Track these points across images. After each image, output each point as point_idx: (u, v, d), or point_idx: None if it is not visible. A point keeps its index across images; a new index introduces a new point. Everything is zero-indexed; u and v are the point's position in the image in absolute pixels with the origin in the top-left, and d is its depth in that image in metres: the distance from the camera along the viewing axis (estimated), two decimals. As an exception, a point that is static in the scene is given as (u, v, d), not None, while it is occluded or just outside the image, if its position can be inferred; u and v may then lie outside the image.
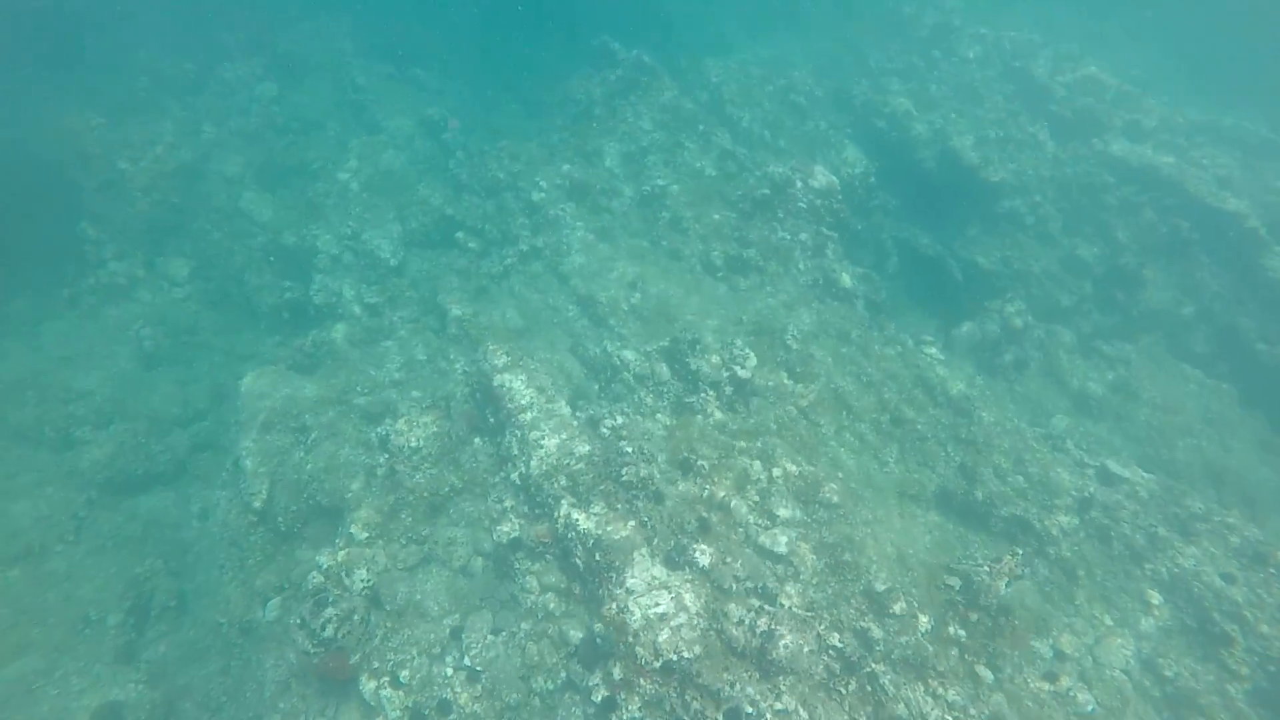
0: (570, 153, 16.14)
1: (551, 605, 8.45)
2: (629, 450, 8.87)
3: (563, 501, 8.53)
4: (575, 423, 9.39)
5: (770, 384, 11.02)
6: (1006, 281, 16.32)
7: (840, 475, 9.88)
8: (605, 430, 9.26)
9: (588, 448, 8.87)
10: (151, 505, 12.30)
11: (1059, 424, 12.80)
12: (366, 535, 9.15)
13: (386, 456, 10.02)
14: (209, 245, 15.83)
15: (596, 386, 11.59)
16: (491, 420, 10.09)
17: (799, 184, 13.91)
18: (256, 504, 10.23)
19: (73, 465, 12.39)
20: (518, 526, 9.01)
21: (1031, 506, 10.44)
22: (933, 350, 12.53)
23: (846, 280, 13.42)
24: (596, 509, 8.29)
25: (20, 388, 13.24)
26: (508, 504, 9.25)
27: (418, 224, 15.19)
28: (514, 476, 9.21)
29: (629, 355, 10.95)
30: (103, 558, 11.56)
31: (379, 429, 10.53)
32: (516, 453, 9.36)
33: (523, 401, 9.61)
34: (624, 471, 8.42)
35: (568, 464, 8.77)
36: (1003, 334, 14.09)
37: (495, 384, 9.83)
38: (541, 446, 9.06)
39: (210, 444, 12.83)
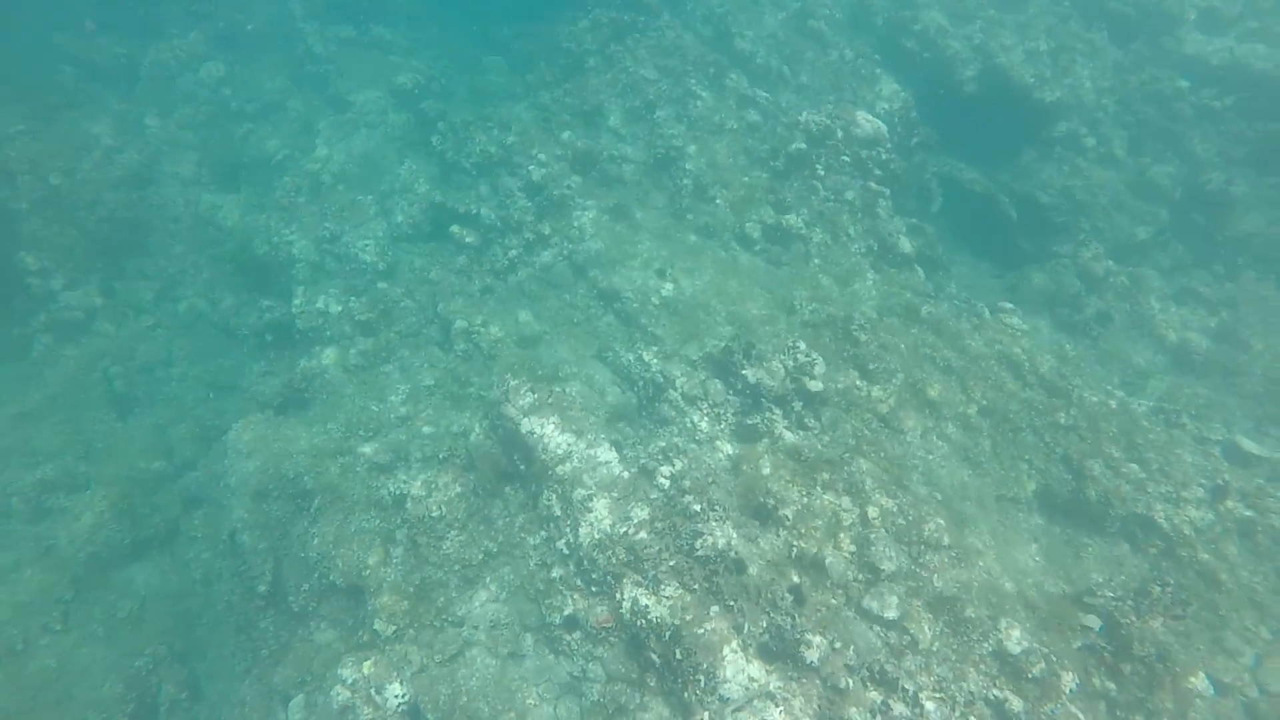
0: (567, 114, 14.06)
1: (624, 698, 7.11)
2: (697, 508, 7.36)
3: (626, 581, 7.08)
4: (625, 474, 7.85)
5: (841, 387, 9.43)
6: (1068, 216, 14.50)
7: (938, 497, 8.40)
8: (662, 480, 7.73)
9: (647, 511, 7.36)
10: (147, 576, 10.92)
11: (1157, 387, 11.26)
12: (394, 629, 7.75)
13: (404, 522, 8.55)
14: (172, 261, 14.00)
15: (635, 399, 10.01)
16: (522, 467, 8.56)
17: (840, 134, 11.97)
18: (261, 588, 8.83)
19: (50, 540, 10.97)
20: (571, 602, 7.61)
21: (1155, 501, 9.02)
22: (1014, 320, 10.90)
23: (906, 244, 11.65)
24: (669, 591, 6.84)
25: (-22, 455, 11.72)
26: (556, 573, 7.82)
27: (404, 216, 13.30)
28: (560, 545, 7.74)
29: (674, 372, 9.33)
30: (97, 647, 10.24)
31: (391, 485, 9.04)
32: (559, 514, 7.87)
33: (559, 451, 8.06)
34: (698, 544, 6.93)
35: (625, 533, 7.29)
36: (1082, 284, 12.38)
37: (524, 430, 8.25)
38: (590, 510, 7.55)
39: (204, 498, 11.33)
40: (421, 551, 8.20)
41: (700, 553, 6.91)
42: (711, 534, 6.99)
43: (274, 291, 13.35)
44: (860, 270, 11.47)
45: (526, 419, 8.26)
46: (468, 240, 12.57)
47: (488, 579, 8.20)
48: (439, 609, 7.98)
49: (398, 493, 8.81)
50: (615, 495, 7.59)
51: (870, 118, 12.07)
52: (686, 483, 7.62)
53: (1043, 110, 14.45)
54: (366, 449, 9.68)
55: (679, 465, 7.84)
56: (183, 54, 16.27)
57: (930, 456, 9.09)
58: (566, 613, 7.58)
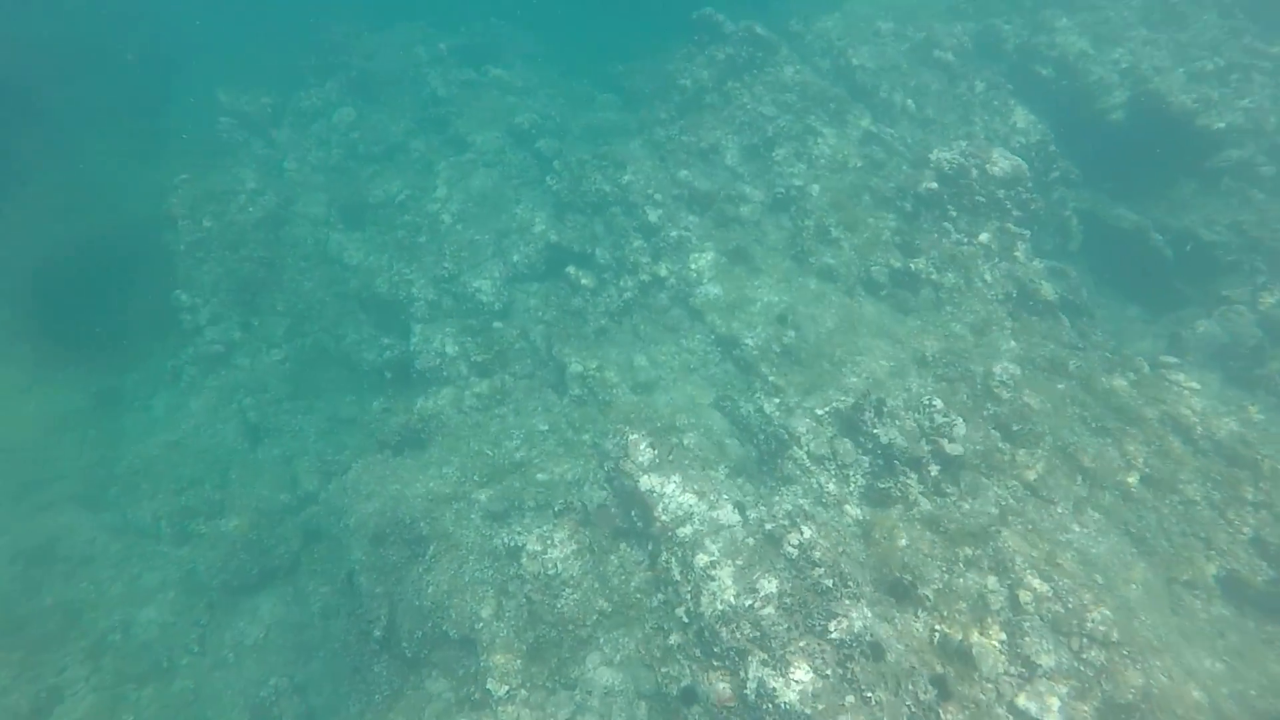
0: (683, 153, 13.93)
1: (745, 786, 6.62)
2: (829, 583, 6.83)
3: (751, 658, 6.62)
4: (750, 540, 7.42)
5: (980, 449, 8.67)
6: (1238, 255, 13.02)
7: (1099, 579, 7.49)
8: (790, 549, 7.24)
9: (774, 584, 6.89)
10: (271, 605, 11.31)
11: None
12: (506, 689, 7.58)
13: (518, 576, 8.41)
14: (301, 298, 14.69)
15: (755, 452, 9.56)
16: (640, 524, 8.27)
17: (974, 173, 11.20)
18: (377, 632, 8.89)
19: (190, 564, 11.59)
20: (689, 672, 7.22)
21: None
22: (1180, 376, 9.76)
23: (1048, 290, 10.72)
24: (799, 675, 6.33)
25: (135, 480, 12.58)
26: (673, 640, 7.44)
27: (520, 256, 13.44)
28: (680, 612, 7.37)
29: (798, 427, 8.84)
30: (227, 672, 10.66)
31: (504, 535, 8.95)
32: (678, 578, 7.51)
33: (679, 512, 7.72)
34: (831, 626, 6.40)
35: (751, 606, 6.84)
36: (1265, 334, 10.99)
37: (642, 489, 7.97)
38: (713, 579, 7.16)
39: (323, 533, 11.67)
40: (536, 609, 8.02)
41: (834, 635, 6.37)
42: (846, 614, 6.45)
43: (394, 328, 13.78)
44: (997, 318, 10.63)
45: (645, 476, 7.98)
46: (583, 282, 12.54)
47: (601, 640, 7.92)
48: (552, 670, 7.76)
49: (512, 544, 8.71)
50: (740, 563, 7.17)
51: (1008, 155, 11.24)
52: (816, 553, 7.10)
53: (1208, 138, 13.11)
54: (481, 495, 9.66)
55: (808, 533, 7.33)
56: (319, 101, 17.27)
57: (1085, 530, 8.18)
58: (684, 684, 7.19)
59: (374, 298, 13.99)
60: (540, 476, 10.00)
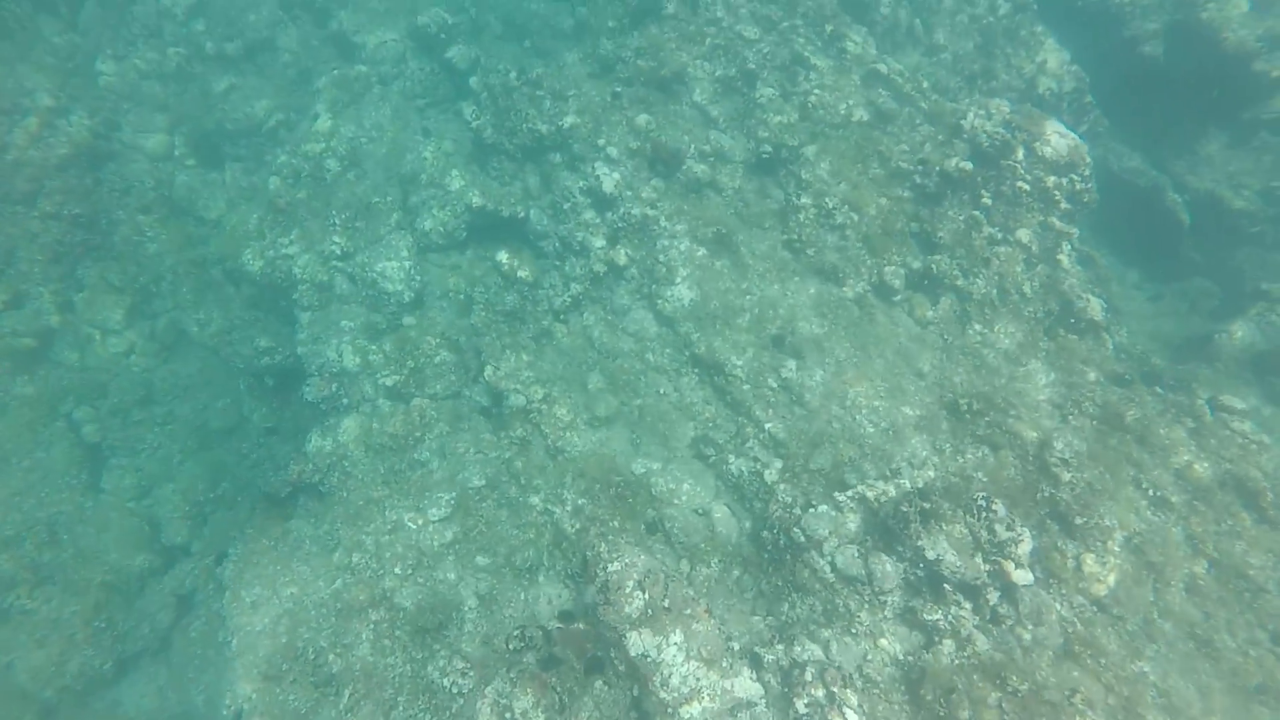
0: (639, 84, 10.83)
1: None
2: (893, 817, 5.17)
3: None
4: (781, 735, 5.63)
5: (1036, 546, 7.04)
6: (1266, 226, 11.56)
7: (1189, 741, 6.21)
8: (834, 747, 5.51)
9: (824, 822, 5.18)
10: (139, 696, 9.02)
11: None
12: None
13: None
14: (144, 267, 11.23)
15: (749, 523, 7.66)
16: (621, 667, 6.33)
17: (1020, 152, 8.89)
18: (279, 801, 6.84)
19: (7, 656, 8.96)
20: None
21: None
22: (1244, 424, 8.29)
23: (1095, 308, 8.87)
24: None
25: (-77, 536, 9.54)
26: (674, 844, 5.77)
27: (433, 223, 10.38)
28: (687, 826, 5.63)
29: (819, 528, 6.90)
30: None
31: (443, 667, 6.87)
32: (683, 776, 5.72)
33: (684, 688, 5.79)
34: None
35: None
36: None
37: (633, 652, 5.95)
38: (736, 802, 5.39)
39: (199, 602, 9.23)
40: (493, 799, 6.12)
41: None
42: None
43: (273, 313, 10.76)
44: (1033, 343, 8.78)
45: (636, 634, 5.95)
46: (520, 274, 9.78)
47: (578, 817, 6.18)
48: None
49: (452, 688, 6.66)
50: (770, 777, 5.40)
51: (1065, 132, 8.92)
52: (870, 761, 5.40)
53: (1261, 85, 11.14)
54: (406, 600, 7.43)
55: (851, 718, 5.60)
56: (141, -27, 12.71)
57: (1159, 649, 6.84)
58: None
59: (245, 278, 10.74)
60: (481, 560, 7.83)
